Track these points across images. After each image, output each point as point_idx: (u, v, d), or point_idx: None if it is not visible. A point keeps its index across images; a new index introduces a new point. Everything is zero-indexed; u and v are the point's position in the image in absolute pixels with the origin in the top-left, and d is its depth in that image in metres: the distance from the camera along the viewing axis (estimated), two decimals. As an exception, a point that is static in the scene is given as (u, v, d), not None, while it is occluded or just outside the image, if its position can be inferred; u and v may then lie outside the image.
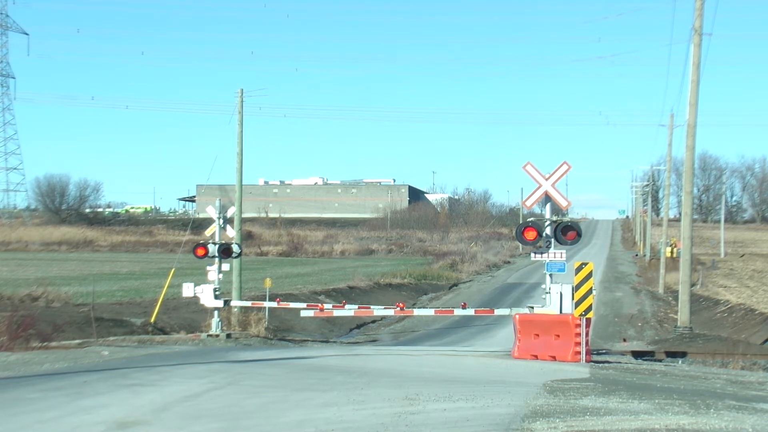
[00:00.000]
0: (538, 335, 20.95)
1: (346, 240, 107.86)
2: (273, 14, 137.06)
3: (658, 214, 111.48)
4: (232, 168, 37.75)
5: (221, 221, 30.72)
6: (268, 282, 33.76)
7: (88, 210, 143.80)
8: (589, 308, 20.44)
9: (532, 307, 21.89)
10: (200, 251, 29.75)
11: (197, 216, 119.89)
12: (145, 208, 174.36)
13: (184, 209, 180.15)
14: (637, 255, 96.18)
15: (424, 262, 77.77)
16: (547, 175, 21.89)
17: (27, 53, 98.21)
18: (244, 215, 42.57)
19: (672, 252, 69.14)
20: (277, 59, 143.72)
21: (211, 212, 31.00)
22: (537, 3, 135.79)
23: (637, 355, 25.28)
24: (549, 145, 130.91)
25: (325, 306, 28.02)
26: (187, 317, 33.46)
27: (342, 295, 44.11)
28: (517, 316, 21.64)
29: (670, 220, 69.53)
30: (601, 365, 19.98)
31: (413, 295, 53.71)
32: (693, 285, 43.31)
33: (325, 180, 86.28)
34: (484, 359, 21.13)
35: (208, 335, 28.96)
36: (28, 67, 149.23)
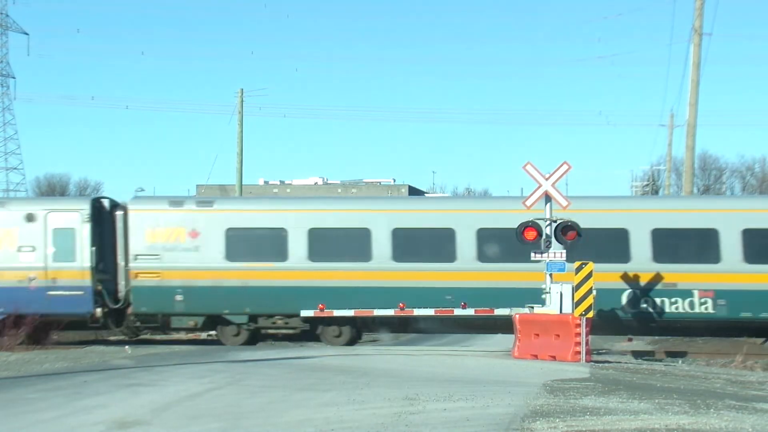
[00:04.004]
0: (538, 335, 20.93)
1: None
2: (273, 14, 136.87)
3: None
4: (232, 168, 37.89)
5: (221, 221, 30.60)
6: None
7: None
8: (589, 308, 20.41)
9: (532, 307, 21.85)
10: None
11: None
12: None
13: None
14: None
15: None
16: (547, 175, 21.88)
17: (27, 53, 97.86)
18: (244, 215, 42.43)
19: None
20: (277, 59, 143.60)
21: (211, 212, 30.89)
22: (537, 3, 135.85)
23: (637, 354, 25.27)
24: (549, 145, 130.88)
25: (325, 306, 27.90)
26: (187, 317, 33.38)
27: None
28: (517, 316, 21.62)
29: (670, 220, 69.32)
30: (601, 365, 19.97)
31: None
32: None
33: (325, 180, 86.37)
34: (484, 359, 21.12)
35: (208, 335, 28.92)
36: (28, 67, 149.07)
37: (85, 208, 25.40)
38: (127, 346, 23.77)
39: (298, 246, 25.05)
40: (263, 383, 15.74)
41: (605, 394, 14.05)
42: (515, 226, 22.14)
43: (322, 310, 24.43)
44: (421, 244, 25.10)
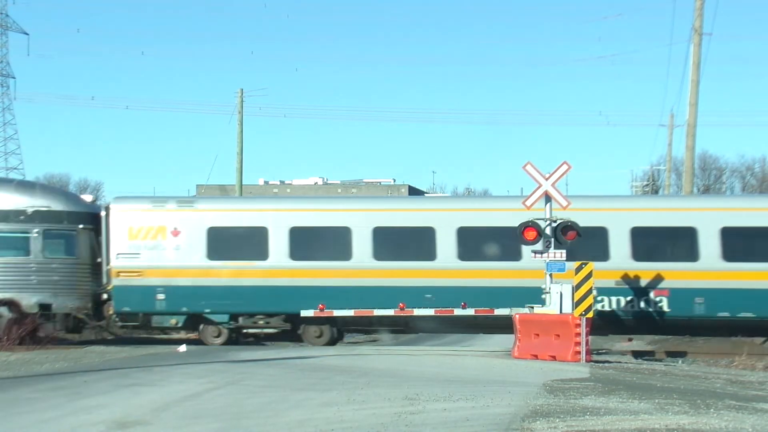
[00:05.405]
0: (538, 335, 20.94)
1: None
2: (273, 14, 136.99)
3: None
4: (232, 168, 37.91)
5: (221, 221, 30.55)
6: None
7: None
8: (589, 308, 20.42)
9: (532, 307, 21.86)
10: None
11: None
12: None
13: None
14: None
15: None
16: (547, 175, 21.90)
17: (27, 53, 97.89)
18: (244, 215, 42.33)
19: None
20: (277, 59, 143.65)
21: (211, 212, 30.83)
22: (537, 3, 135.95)
23: (637, 354, 25.27)
24: (549, 145, 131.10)
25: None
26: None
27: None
28: (517, 316, 21.63)
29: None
30: (601, 365, 19.98)
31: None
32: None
33: (325, 180, 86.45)
34: (484, 359, 21.13)
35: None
36: (28, 67, 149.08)
37: None
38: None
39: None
40: (263, 383, 15.74)
41: (605, 394, 14.05)
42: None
43: (322, 310, 24.45)
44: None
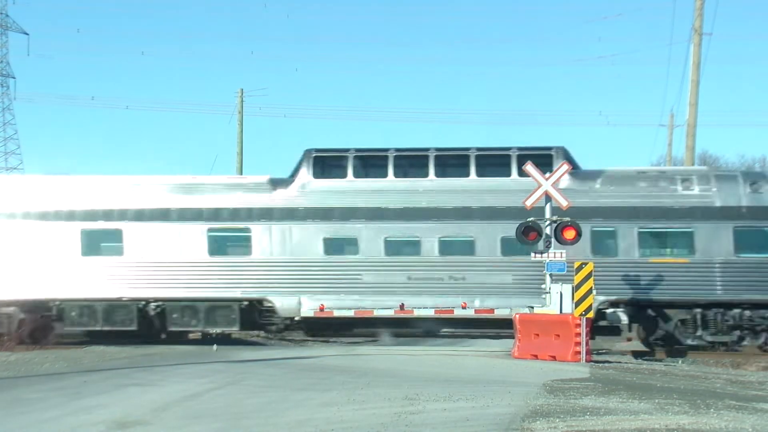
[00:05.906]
0: (538, 335, 20.95)
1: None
2: (273, 14, 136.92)
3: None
4: (233, 168, 37.87)
5: (221, 221, 30.56)
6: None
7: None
8: (589, 308, 20.43)
9: (532, 307, 21.88)
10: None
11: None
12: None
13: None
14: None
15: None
16: (547, 175, 21.90)
17: (27, 53, 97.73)
18: (244, 215, 42.39)
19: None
20: (277, 59, 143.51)
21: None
22: (537, 3, 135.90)
23: (637, 354, 25.26)
24: (549, 145, 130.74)
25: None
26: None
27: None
28: (517, 316, 21.64)
29: (670, 220, 69.29)
30: (601, 365, 19.99)
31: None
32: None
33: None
34: (484, 359, 21.13)
35: (208, 335, 28.91)
36: (28, 67, 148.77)
37: None
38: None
39: None
40: (263, 383, 15.74)
41: (605, 394, 14.05)
42: None
43: (322, 310, 24.42)
44: None
